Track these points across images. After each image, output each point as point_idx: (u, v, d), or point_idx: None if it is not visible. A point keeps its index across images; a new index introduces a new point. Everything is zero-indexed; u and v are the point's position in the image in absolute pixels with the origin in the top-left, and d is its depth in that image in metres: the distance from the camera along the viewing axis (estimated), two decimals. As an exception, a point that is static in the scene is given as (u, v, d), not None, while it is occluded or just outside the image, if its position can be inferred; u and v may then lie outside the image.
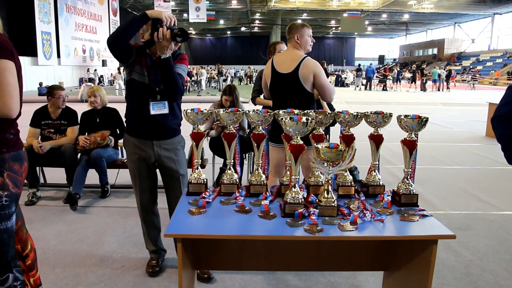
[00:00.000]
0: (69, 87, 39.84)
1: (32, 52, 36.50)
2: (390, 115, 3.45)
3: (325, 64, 20.03)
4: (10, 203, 3.24)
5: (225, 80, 42.41)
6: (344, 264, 3.88)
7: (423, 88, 41.38)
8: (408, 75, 48.77)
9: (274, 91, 5.27)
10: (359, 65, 49.18)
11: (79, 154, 7.29)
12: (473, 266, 5.09)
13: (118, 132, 7.43)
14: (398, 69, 46.81)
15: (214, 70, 47.13)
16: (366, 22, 64.85)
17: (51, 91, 7.18)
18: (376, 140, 3.51)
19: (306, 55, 5.13)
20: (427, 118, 3.26)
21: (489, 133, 14.48)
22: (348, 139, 3.53)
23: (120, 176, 8.01)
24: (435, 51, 77.67)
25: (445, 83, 41.91)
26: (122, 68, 32.41)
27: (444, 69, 43.65)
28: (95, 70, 45.79)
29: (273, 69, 5.19)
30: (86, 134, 7.32)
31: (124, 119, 4.62)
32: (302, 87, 5.01)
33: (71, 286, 4.52)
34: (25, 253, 3.59)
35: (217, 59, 70.56)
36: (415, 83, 44.01)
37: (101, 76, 46.42)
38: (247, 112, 3.45)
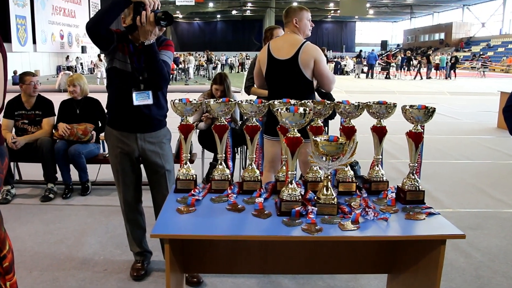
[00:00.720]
0: (46, 76, 39.70)
1: (5, 37, 35.94)
2: (394, 105, 3.46)
3: (326, 51, 20.05)
4: None
5: (215, 68, 42.38)
6: (345, 266, 3.89)
7: (428, 76, 41.57)
8: (413, 62, 48.84)
9: (270, 79, 5.26)
10: (360, 51, 49.11)
11: (56, 141, 7.27)
12: (484, 268, 5.10)
13: (100, 124, 7.43)
14: (402, 55, 46.86)
15: (203, 57, 47.04)
16: (368, 5, 64.73)
17: (22, 78, 7.19)
18: (379, 132, 3.51)
19: (305, 39, 5.13)
20: (434, 108, 3.27)
21: (501, 125, 14.51)
22: (348, 131, 3.54)
23: (101, 172, 7.96)
24: (442, 36, 77.70)
25: (450, 70, 41.98)
26: (103, 55, 32.30)
27: (451, 55, 43.68)
28: (77, 57, 45.66)
29: (270, 55, 5.17)
30: (66, 124, 7.31)
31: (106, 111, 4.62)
32: (301, 74, 5.01)
33: (49, 291, 4.53)
34: (3, 254, 3.57)
35: (206, 45, 70.60)
36: (409, 70, 43.91)
37: (81, 63, 46.26)
38: (239, 102, 3.44)
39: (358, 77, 43.27)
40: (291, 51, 5.03)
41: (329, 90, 5.25)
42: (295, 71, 5.02)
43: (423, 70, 42.59)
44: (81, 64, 46.14)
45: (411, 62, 45.57)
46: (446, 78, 41.37)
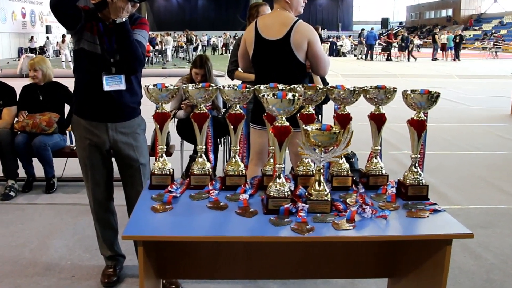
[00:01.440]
0: (6, 59, 39.49)
1: (-41, 16, 36.13)
2: (394, 90, 3.46)
3: (320, 29, 20.04)
4: None
5: (195, 50, 42.27)
6: (340, 270, 3.90)
7: (433, 58, 41.79)
8: (418, 41, 48.86)
9: (258, 62, 5.21)
10: (362, 29, 48.97)
11: (17, 134, 7.24)
12: (496, 270, 5.12)
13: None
14: (406, 34, 46.88)
15: (183, 38, 46.95)
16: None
17: None
18: (378, 120, 3.52)
19: (298, 18, 5.09)
20: (438, 93, 3.27)
21: (515, 111, 14.58)
22: (343, 120, 3.53)
23: (68, 167, 7.93)
24: (450, 12, 77.85)
25: (453, 51, 42.16)
26: (69, 36, 32.05)
27: (455, 34, 43.75)
28: (47, 37, 45.39)
29: (258, 35, 5.11)
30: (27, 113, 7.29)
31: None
32: (294, 56, 4.95)
33: (10, 300, 4.52)
34: None
35: (186, 24, 70.27)
36: (404, 51, 43.92)
37: (44, 45, 46.04)
38: (221, 87, 3.44)
39: (359, 58, 43.40)
40: (282, 30, 4.96)
41: (324, 74, 5.23)
42: (286, 53, 4.96)
43: (428, 51, 42.69)
44: (44, 46, 45.98)
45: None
46: (454, 59, 41.49)
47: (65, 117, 7.38)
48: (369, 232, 2.86)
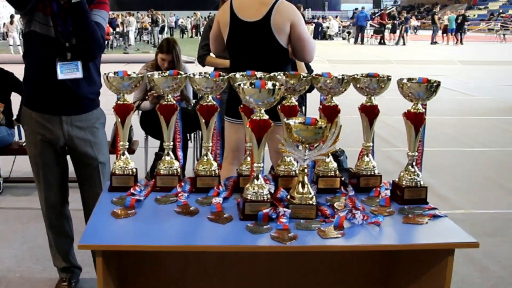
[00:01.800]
0: None
1: None
2: (388, 78, 3.46)
3: (302, 9, 20.00)
4: None
5: (161, 32, 42.22)
6: (327, 283, 3.90)
7: (433, 41, 42.01)
8: (415, 22, 48.93)
9: (234, 46, 5.20)
10: (356, 9, 49.01)
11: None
12: (504, 284, 5.14)
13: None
14: (405, 15, 46.95)
15: (147, 18, 46.87)
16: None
17: None
18: (370, 113, 3.52)
19: (278, -4, 5.06)
20: (439, 82, 3.27)
21: (525, 102, 14.66)
22: (330, 112, 3.54)
23: (17, 166, 7.90)
24: (452, -11, 78.10)
25: (457, 33, 42.34)
26: (18, 17, 31.91)
27: (457, 14, 43.97)
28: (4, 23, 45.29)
29: (233, 16, 5.06)
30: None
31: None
32: (275, 40, 4.93)
33: (-51, 319, 4.50)
34: None
35: (151, 3, 70.15)
36: (394, 33, 44.08)
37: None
38: (191, 75, 3.43)
39: (350, 42, 43.62)
40: (261, 10, 4.91)
41: (310, 59, 5.22)
42: (266, 36, 4.92)
43: (427, 33, 42.85)
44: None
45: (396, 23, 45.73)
46: (456, 43, 41.67)
47: (12, 108, 7.33)
48: (360, 241, 2.87)
